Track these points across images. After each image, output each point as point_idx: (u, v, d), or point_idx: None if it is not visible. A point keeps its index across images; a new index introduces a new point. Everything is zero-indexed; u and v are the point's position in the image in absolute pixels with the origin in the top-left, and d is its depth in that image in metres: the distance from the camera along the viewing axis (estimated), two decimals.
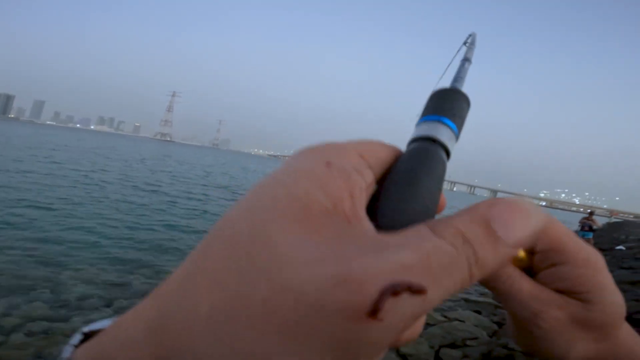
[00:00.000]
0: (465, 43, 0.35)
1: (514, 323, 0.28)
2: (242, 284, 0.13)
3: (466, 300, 5.78)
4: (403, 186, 0.19)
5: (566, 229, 0.26)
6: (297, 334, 0.13)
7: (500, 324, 4.69)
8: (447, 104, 0.24)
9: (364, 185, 0.18)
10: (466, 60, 0.32)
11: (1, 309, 3.46)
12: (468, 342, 3.96)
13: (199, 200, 12.10)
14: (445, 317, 4.73)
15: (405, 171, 0.20)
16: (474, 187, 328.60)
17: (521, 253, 0.27)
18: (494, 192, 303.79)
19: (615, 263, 9.32)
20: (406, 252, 0.14)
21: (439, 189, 0.20)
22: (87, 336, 0.18)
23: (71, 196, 9.19)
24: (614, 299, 0.26)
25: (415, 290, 0.13)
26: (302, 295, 0.13)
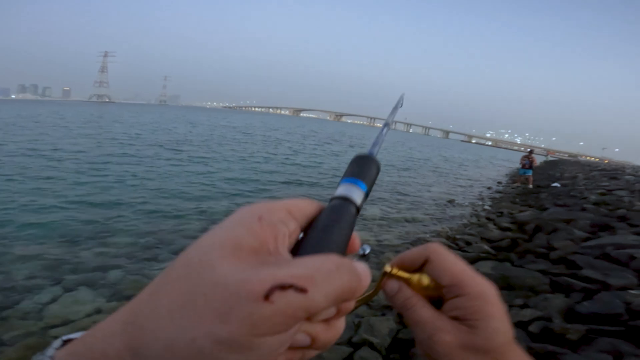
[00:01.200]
0: (399, 105, 0.47)
1: (418, 344, 0.34)
2: (192, 287, 0.20)
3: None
4: (319, 233, 0.26)
5: (466, 267, 0.34)
6: (224, 313, 0.19)
7: None
8: (362, 169, 0.33)
9: (287, 232, 0.25)
10: (386, 125, 0.42)
11: None
12: None
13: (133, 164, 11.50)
14: None
15: (322, 222, 0.27)
16: (429, 128, 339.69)
17: (427, 282, 0.34)
18: (446, 132, 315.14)
19: (551, 200, 10.11)
20: (298, 267, 0.21)
21: (348, 235, 0.28)
22: (66, 343, 0.24)
23: None
24: (497, 326, 0.32)
25: (299, 289, 0.20)
26: (226, 288, 0.20)
